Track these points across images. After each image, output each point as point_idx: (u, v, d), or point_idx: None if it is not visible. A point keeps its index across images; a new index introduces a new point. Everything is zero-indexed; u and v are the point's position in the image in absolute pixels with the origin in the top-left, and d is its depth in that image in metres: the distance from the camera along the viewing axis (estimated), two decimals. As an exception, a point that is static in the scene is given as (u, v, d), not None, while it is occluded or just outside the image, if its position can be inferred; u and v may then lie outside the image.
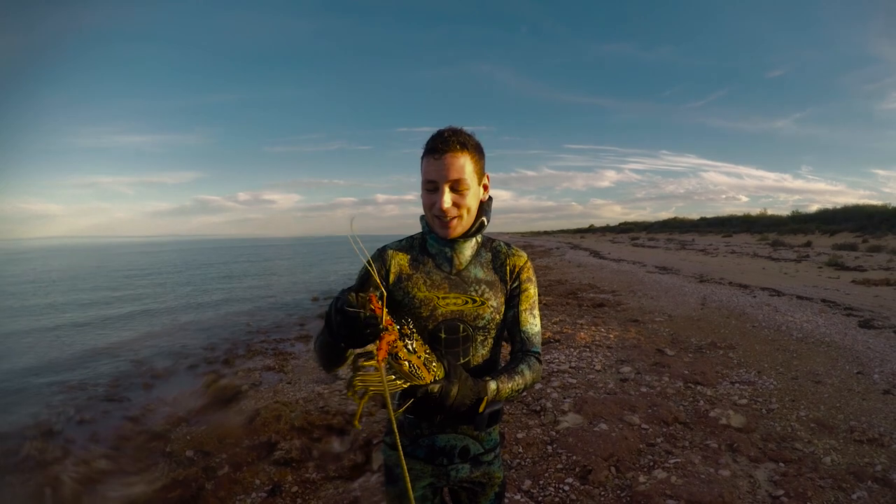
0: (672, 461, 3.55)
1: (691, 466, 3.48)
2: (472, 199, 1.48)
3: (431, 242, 1.57)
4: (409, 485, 1.23)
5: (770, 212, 52.18)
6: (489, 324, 1.54)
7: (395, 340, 1.17)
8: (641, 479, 3.35)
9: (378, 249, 1.61)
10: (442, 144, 1.41)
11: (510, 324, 1.59)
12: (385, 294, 1.20)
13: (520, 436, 4.15)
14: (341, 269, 33.52)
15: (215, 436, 4.92)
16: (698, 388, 5.05)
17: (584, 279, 15.91)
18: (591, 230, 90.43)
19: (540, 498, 3.25)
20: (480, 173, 1.50)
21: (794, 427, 4.06)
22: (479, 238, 1.59)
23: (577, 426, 4.20)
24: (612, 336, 7.37)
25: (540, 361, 1.57)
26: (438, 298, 1.51)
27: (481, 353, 1.55)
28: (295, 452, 4.16)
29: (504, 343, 1.65)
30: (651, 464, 3.55)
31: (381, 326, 1.15)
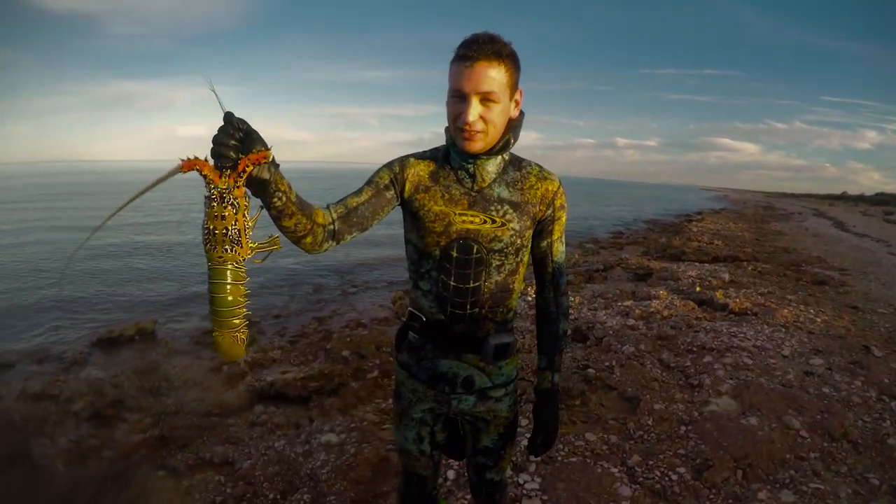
0: (812, 486, 2.96)
1: (831, 500, 2.87)
2: (500, 115, 1.35)
3: (454, 156, 1.46)
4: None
5: None
6: (507, 247, 1.45)
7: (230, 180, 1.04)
8: (762, 495, 2.86)
9: (401, 157, 1.51)
10: (475, 51, 1.28)
11: (542, 253, 1.54)
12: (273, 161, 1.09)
13: (657, 407, 3.82)
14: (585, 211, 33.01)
15: (374, 343, 5.27)
16: (893, 404, 4.08)
17: (814, 251, 13.89)
18: (843, 198, 78.08)
19: (640, 479, 2.99)
20: (513, 87, 1.37)
21: None
22: (505, 156, 1.46)
23: (724, 413, 3.71)
24: (818, 320, 6.29)
25: (567, 295, 1.60)
26: (455, 214, 1.43)
27: (495, 278, 1.47)
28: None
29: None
30: (787, 480, 3.01)
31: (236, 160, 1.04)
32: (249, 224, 1.08)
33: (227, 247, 1.05)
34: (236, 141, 1.02)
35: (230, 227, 1.05)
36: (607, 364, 4.64)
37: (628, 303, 6.90)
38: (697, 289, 7.64)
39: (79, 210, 22.90)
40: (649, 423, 3.64)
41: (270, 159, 1.06)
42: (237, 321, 1.11)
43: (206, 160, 1.01)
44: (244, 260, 1.09)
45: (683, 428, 3.57)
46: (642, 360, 4.74)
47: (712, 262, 10.77)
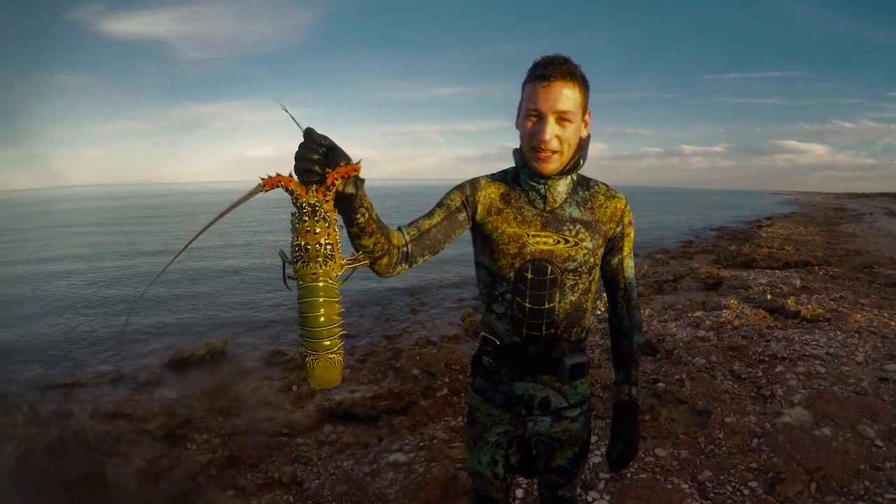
0: (888, 496, 2.89)
1: (909, 509, 2.81)
2: (574, 135, 1.38)
3: (524, 178, 1.47)
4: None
5: None
6: (581, 267, 1.46)
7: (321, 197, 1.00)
8: (837, 508, 2.81)
9: (471, 179, 1.52)
10: (552, 71, 1.31)
11: (613, 270, 1.57)
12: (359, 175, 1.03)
13: (728, 420, 3.78)
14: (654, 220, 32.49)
15: (443, 361, 5.33)
16: (975, 410, 3.87)
17: (887, 252, 13.37)
18: (917, 195, 73.67)
19: (711, 494, 2.98)
20: (584, 107, 1.40)
21: None
22: (574, 176, 1.48)
23: (797, 424, 3.66)
24: (892, 324, 6.05)
25: (639, 308, 1.64)
26: (528, 236, 1.44)
27: (569, 298, 1.48)
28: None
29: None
30: (861, 492, 2.94)
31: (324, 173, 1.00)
32: (339, 238, 1.04)
33: (320, 262, 1.00)
34: (320, 156, 0.99)
35: (323, 242, 1.00)
36: (677, 377, 4.61)
37: (698, 313, 6.81)
38: (768, 296, 7.46)
39: (151, 235, 23.58)
40: (720, 436, 3.61)
41: (358, 172, 1.02)
42: (329, 342, 1.04)
43: (289, 176, 0.98)
44: (336, 276, 1.03)
45: (755, 441, 3.53)
46: (713, 372, 4.69)
47: (783, 269, 10.54)
